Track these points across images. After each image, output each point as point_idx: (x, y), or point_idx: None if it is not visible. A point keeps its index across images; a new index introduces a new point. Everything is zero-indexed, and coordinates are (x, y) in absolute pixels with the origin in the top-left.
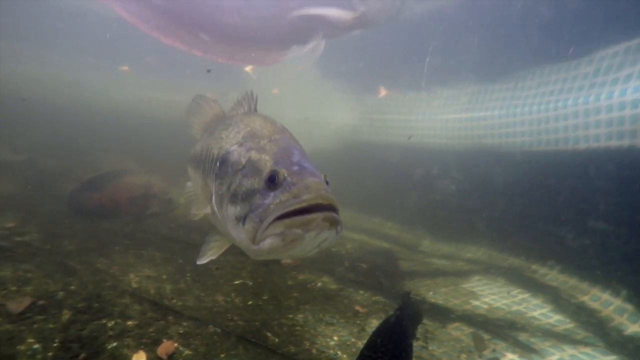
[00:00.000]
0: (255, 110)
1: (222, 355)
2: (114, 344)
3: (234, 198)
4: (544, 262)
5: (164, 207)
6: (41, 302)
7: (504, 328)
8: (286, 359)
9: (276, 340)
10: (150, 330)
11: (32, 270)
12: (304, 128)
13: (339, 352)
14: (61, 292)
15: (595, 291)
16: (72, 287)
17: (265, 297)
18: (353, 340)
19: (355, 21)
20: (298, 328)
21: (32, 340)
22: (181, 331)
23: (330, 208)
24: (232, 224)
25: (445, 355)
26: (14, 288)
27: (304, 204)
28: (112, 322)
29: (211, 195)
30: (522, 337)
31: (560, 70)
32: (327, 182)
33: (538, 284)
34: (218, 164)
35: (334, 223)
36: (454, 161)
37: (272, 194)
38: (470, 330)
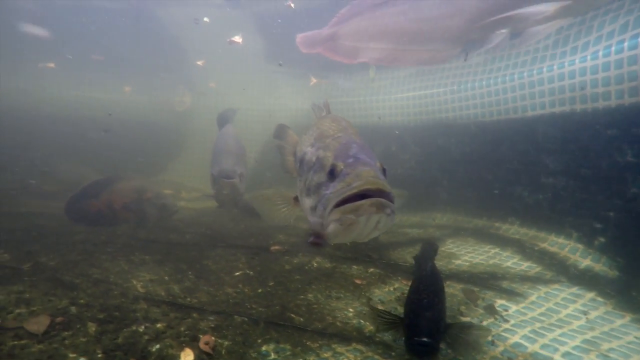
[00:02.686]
0: (329, 112)
1: (259, 341)
2: (157, 346)
3: (308, 191)
4: (505, 219)
5: (158, 213)
6: (59, 319)
7: (487, 279)
8: (318, 334)
9: (301, 319)
10: (182, 328)
11: (27, 290)
12: (262, 117)
13: (361, 321)
14: (73, 307)
15: (552, 237)
16: (82, 301)
17: (271, 284)
18: (367, 309)
19: (560, 11)
20: (315, 306)
21: (74, 355)
22: (212, 325)
23: (380, 192)
24: (309, 213)
25: (449, 310)
26: (20, 310)
27: (354, 191)
28: (142, 327)
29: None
30: (505, 284)
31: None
32: (384, 170)
33: (503, 239)
34: (299, 164)
35: (380, 207)
36: (412, 136)
37: (331, 184)
38: (460, 286)
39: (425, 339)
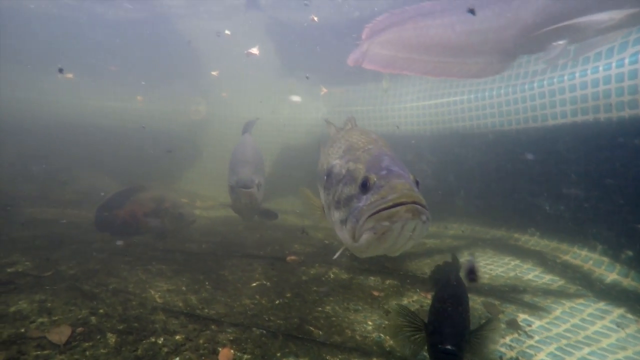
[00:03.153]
0: (355, 125)
1: (278, 355)
2: (177, 359)
3: (337, 204)
4: (524, 230)
5: (175, 222)
6: (79, 329)
7: (508, 292)
8: (338, 348)
9: (320, 332)
10: (201, 341)
11: (49, 299)
12: (274, 126)
13: (381, 335)
14: (93, 317)
15: (575, 249)
16: (101, 311)
17: (288, 295)
18: (386, 322)
19: (625, 19)
20: (333, 319)
21: None
22: (231, 338)
23: (414, 203)
24: (338, 226)
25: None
26: (42, 319)
27: (390, 203)
28: (161, 339)
29: (323, 205)
30: (527, 298)
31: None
32: (417, 182)
33: (523, 250)
34: (325, 177)
35: (416, 213)
36: (428, 146)
37: (364, 197)
38: (481, 299)
39: (449, 347)
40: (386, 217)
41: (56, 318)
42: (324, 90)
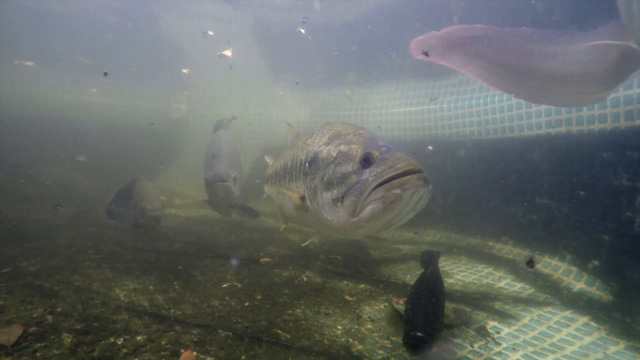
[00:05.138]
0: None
1: (243, 357)
2: None
3: (328, 185)
4: (499, 238)
5: (139, 216)
6: (32, 329)
7: (480, 300)
8: (304, 352)
9: (288, 336)
10: (164, 342)
11: (2, 297)
12: (255, 128)
13: (350, 339)
14: (49, 316)
15: (546, 258)
16: (59, 309)
17: (259, 297)
18: (356, 327)
19: None
20: (302, 322)
21: None
22: (195, 339)
23: (421, 172)
24: (329, 207)
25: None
26: None
27: (399, 171)
28: (121, 340)
29: (303, 194)
30: (497, 305)
31: None
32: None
33: (497, 258)
34: (307, 164)
35: (427, 181)
36: (407, 152)
37: (367, 170)
38: (452, 305)
39: (418, 334)
40: (398, 184)
41: (8, 317)
42: (281, 93)
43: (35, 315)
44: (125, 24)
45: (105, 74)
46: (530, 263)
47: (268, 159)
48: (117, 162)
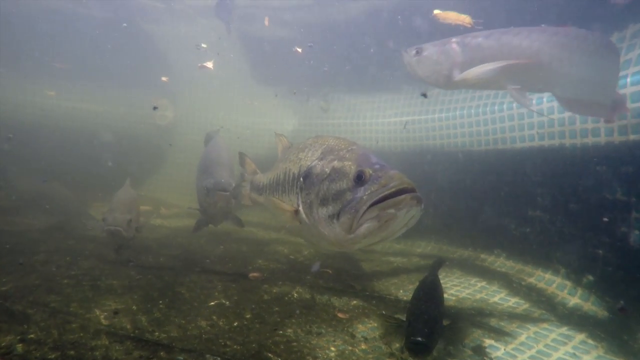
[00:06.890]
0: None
1: None
2: None
3: (324, 201)
4: (491, 251)
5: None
6: None
7: (475, 316)
8: None
9: (279, 359)
10: None
11: None
12: (241, 135)
13: None
14: (19, 345)
15: (539, 272)
16: (32, 336)
17: (248, 316)
18: (350, 348)
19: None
20: (294, 344)
21: None
22: None
23: (414, 191)
24: (325, 222)
25: (435, 350)
26: None
27: (393, 190)
28: None
29: (297, 208)
30: (493, 322)
31: None
32: None
33: (490, 271)
34: (302, 179)
35: (420, 200)
36: (398, 162)
37: (361, 188)
38: (447, 322)
39: (420, 339)
40: (392, 204)
41: None
42: (249, 102)
43: (3, 345)
44: (113, 34)
45: (155, 108)
46: (623, 310)
47: (249, 163)
48: (97, 170)
